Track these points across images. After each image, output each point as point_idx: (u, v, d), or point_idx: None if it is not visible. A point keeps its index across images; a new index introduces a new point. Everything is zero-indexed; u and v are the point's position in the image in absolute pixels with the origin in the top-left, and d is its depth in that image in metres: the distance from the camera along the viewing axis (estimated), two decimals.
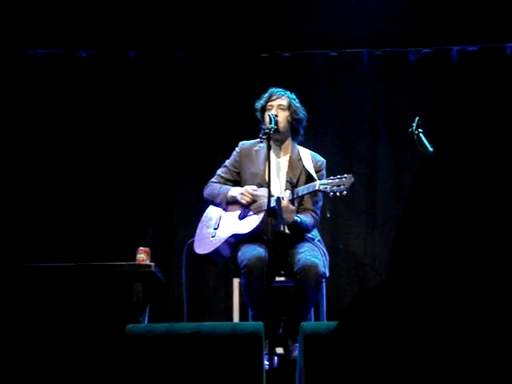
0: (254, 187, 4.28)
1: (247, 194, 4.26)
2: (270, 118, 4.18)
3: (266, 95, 4.43)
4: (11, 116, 5.47)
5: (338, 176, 4.03)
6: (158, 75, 5.63)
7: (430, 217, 0.94)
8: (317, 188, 4.04)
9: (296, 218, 4.15)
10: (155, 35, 5.59)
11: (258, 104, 4.44)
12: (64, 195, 5.41)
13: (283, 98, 4.40)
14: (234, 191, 4.35)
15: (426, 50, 5.56)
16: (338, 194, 3.98)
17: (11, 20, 5.45)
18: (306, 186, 4.16)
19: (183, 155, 5.56)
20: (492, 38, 5.41)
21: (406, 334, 0.92)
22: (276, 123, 4.18)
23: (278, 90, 4.44)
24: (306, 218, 4.23)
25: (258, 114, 4.43)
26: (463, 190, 0.92)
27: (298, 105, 4.42)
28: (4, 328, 4.23)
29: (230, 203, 4.36)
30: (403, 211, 1.00)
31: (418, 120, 4.18)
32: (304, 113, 4.43)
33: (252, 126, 4.54)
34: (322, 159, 4.42)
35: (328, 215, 4.48)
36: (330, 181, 4.03)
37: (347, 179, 3.99)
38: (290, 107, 4.38)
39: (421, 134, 4.14)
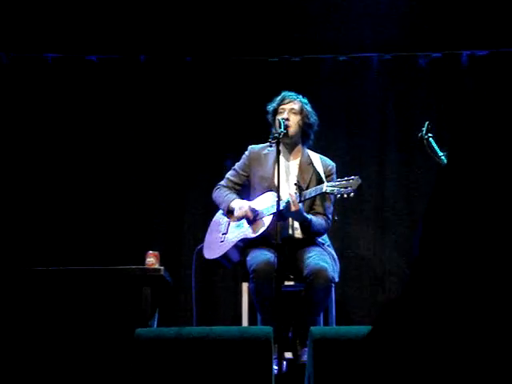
0: (256, 207, 4.27)
1: (243, 212, 4.25)
2: (280, 122, 4.18)
3: (279, 98, 4.43)
4: (22, 120, 5.49)
5: (346, 178, 4.03)
6: (168, 79, 5.64)
7: (450, 227, 0.94)
8: (324, 190, 4.04)
9: (306, 215, 4.14)
10: (165, 39, 5.61)
11: (270, 107, 4.44)
12: (74, 199, 5.42)
13: (295, 101, 4.40)
14: (235, 203, 4.35)
15: (435, 55, 5.55)
16: (345, 195, 3.98)
17: (22, 24, 5.47)
18: (314, 188, 4.16)
19: (193, 159, 5.56)
20: (502, 42, 5.40)
21: (433, 342, 0.92)
22: (286, 127, 4.18)
23: (291, 93, 4.44)
24: (316, 219, 4.23)
25: (269, 117, 4.42)
26: (481, 199, 0.92)
27: (310, 109, 4.41)
28: (14, 331, 4.24)
29: (230, 213, 4.37)
30: (423, 223, 1.00)
31: (428, 124, 4.17)
32: (315, 118, 4.42)
33: (261, 130, 4.54)
34: (332, 163, 4.42)
35: (336, 218, 4.47)
36: (337, 183, 4.03)
37: (354, 181, 3.98)
38: (301, 111, 4.38)
39: (430, 139, 4.14)
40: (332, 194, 4.03)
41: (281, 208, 3.90)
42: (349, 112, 5.59)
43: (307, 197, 4.14)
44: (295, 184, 4.19)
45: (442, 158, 4.06)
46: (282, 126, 4.14)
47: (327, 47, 5.61)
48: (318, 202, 4.29)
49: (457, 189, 0.95)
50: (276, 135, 4.02)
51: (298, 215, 4.12)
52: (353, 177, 4.00)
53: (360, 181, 3.98)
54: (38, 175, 5.43)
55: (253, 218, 4.26)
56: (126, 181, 5.50)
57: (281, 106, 4.39)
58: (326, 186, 4.04)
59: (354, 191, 3.96)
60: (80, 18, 5.46)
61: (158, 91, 5.62)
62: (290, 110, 4.36)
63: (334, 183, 4.05)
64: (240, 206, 4.29)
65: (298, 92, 4.54)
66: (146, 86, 5.62)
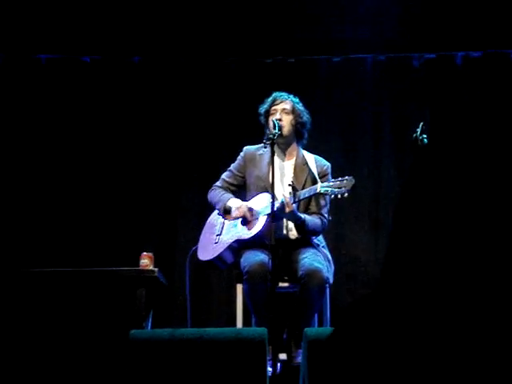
0: (253, 207, 4.27)
1: (241, 212, 4.25)
2: (274, 123, 4.18)
3: (270, 99, 4.43)
4: (15, 120, 5.49)
5: (339, 178, 4.03)
6: (162, 80, 5.64)
7: (423, 215, 0.94)
8: (318, 190, 4.03)
9: (299, 215, 4.14)
10: (159, 40, 5.61)
11: (262, 109, 4.44)
12: (67, 201, 5.42)
13: (287, 101, 4.40)
14: (232, 202, 4.35)
15: (429, 56, 5.56)
16: (339, 196, 3.98)
17: (15, 25, 5.46)
18: (308, 189, 4.15)
19: (187, 160, 5.56)
20: (496, 43, 5.41)
21: (400, 336, 0.92)
22: (280, 128, 4.18)
23: (282, 93, 4.44)
24: (312, 218, 4.22)
25: (262, 119, 4.42)
26: (456, 186, 0.92)
27: (302, 108, 4.41)
28: (8, 332, 4.23)
29: (227, 213, 4.36)
30: (395, 208, 1.00)
31: (423, 125, 4.17)
32: (308, 116, 4.42)
33: (256, 131, 4.54)
34: (327, 163, 4.41)
35: (329, 218, 4.46)
36: (331, 183, 4.03)
37: (348, 181, 3.98)
38: (293, 111, 4.38)
39: (425, 140, 4.14)
40: (326, 194, 4.03)
41: (275, 209, 3.90)
42: (343, 113, 5.59)
43: (301, 197, 4.14)
44: (289, 185, 4.19)
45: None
46: (277, 127, 4.13)
47: (322, 48, 5.61)
48: (313, 201, 4.28)
49: (432, 174, 0.95)
50: (270, 136, 4.01)
51: (292, 216, 4.11)
52: (347, 177, 4.00)
53: (354, 181, 3.98)
54: (33, 177, 5.43)
55: (251, 218, 4.26)
56: (119, 182, 5.50)
57: (272, 107, 4.39)
58: (319, 187, 4.03)
59: (347, 191, 3.96)
60: (74, 19, 5.46)
61: (152, 92, 5.62)
62: (282, 110, 4.36)
63: (328, 183, 4.05)
64: (238, 205, 4.29)
65: (293, 93, 4.54)
66: (140, 87, 5.62)
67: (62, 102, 5.56)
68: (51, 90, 5.57)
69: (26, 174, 5.43)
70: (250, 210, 4.24)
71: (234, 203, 4.33)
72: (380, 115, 5.58)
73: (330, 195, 4.02)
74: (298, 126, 4.38)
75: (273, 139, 3.99)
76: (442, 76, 5.52)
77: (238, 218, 4.28)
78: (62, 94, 5.57)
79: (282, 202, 4.05)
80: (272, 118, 4.29)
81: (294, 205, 4.10)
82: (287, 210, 4.05)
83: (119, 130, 5.57)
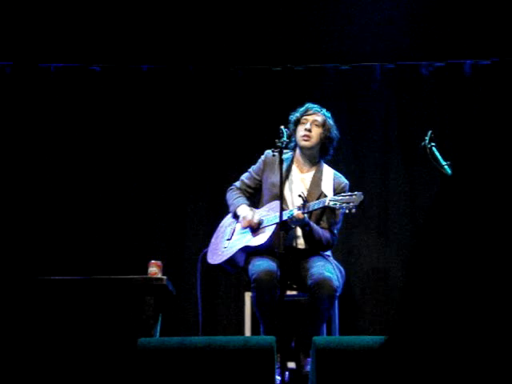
0: (263, 216, 4.27)
1: (247, 223, 4.26)
2: (282, 131, 4.16)
3: (303, 109, 4.42)
4: (23, 129, 5.50)
5: (349, 193, 4.01)
6: (170, 88, 5.64)
7: (447, 240, 0.94)
8: (326, 204, 4.02)
9: (309, 221, 4.12)
10: (167, 49, 5.62)
11: (293, 116, 4.43)
12: (76, 208, 5.42)
13: (319, 114, 4.40)
14: (241, 210, 4.35)
15: (438, 64, 5.55)
16: (346, 211, 3.96)
17: (24, 33, 5.48)
18: (317, 201, 4.14)
19: (195, 168, 5.56)
20: (505, 51, 5.40)
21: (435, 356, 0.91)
22: (288, 137, 4.17)
23: (315, 106, 4.44)
24: (321, 230, 4.21)
25: (291, 127, 4.39)
26: (482, 212, 0.91)
27: (333, 124, 4.41)
28: (17, 340, 4.24)
29: (237, 218, 4.37)
30: (419, 232, 1.00)
31: (431, 133, 4.17)
32: (336, 133, 4.41)
33: (265, 140, 4.53)
34: (346, 181, 4.37)
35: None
36: (340, 197, 4.01)
37: (357, 197, 3.96)
38: (324, 124, 4.37)
39: (434, 148, 4.13)
40: (334, 207, 4.01)
41: (284, 219, 3.89)
42: (351, 121, 5.58)
43: (310, 209, 4.12)
44: (299, 196, 4.17)
45: (445, 167, 4.06)
46: (285, 135, 4.13)
47: (330, 56, 5.61)
48: (324, 217, 4.27)
49: (459, 200, 0.94)
50: (279, 144, 4.01)
51: (301, 222, 4.10)
52: (356, 192, 3.98)
53: (362, 197, 3.95)
54: (41, 184, 5.44)
55: (257, 228, 4.25)
56: (128, 190, 5.50)
57: (304, 117, 4.38)
58: (328, 200, 4.02)
59: (355, 207, 3.94)
60: (82, 28, 5.47)
61: (160, 100, 5.63)
62: (313, 121, 4.35)
63: (337, 197, 4.02)
64: (244, 214, 4.28)
65: (301, 101, 4.54)
66: (148, 95, 5.63)
67: (70, 110, 5.57)
68: (60, 98, 5.58)
69: (35, 182, 5.44)
70: (257, 221, 4.24)
71: (243, 211, 4.32)
72: (388, 123, 5.57)
73: (338, 209, 4.00)
74: (325, 141, 4.37)
75: (281, 147, 3.99)
76: (450, 84, 5.51)
77: (245, 228, 4.29)
78: (70, 102, 5.58)
79: (292, 213, 4.04)
80: (301, 127, 4.30)
81: (304, 215, 4.08)
82: (296, 219, 4.04)
83: (128, 138, 5.57)
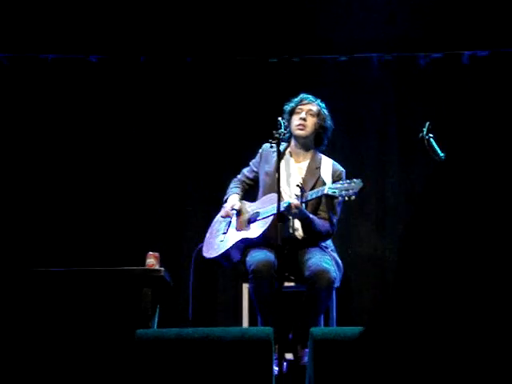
0: (235, 206, 4.36)
1: (224, 212, 4.39)
2: (280, 122, 4.16)
3: (297, 99, 4.45)
4: (21, 120, 5.49)
5: (348, 180, 4.01)
6: (168, 80, 5.63)
7: (438, 226, 0.93)
8: (325, 192, 4.02)
9: (307, 213, 4.13)
10: (165, 40, 5.60)
11: (288, 107, 4.45)
12: (74, 200, 5.42)
13: (313, 104, 4.43)
14: (228, 200, 4.45)
15: (436, 55, 5.54)
16: (346, 198, 3.96)
17: (21, 24, 5.47)
18: (316, 190, 4.14)
19: (193, 160, 5.56)
20: (503, 42, 5.38)
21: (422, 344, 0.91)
22: (285, 128, 4.17)
23: (309, 96, 4.47)
24: (319, 220, 4.21)
25: (286, 117, 4.41)
26: (473, 198, 0.91)
27: (327, 114, 4.44)
28: (14, 332, 4.24)
29: None
30: (409, 220, 0.99)
31: (429, 125, 4.16)
32: (331, 123, 4.44)
33: (262, 131, 4.53)
34: (341, 169, 4.39)
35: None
36: (339, 185, 4.01)
37: (356, 184, 3.96)
38: (319, 114, 4.40)
39: (431, 139, 4.13)
40: (333, 195, 4.01)
41: (281, 209, 3.90)
42: (349, 112, 5.57)
43: (309, 198, 4.12)
44: (297, 185, 4.17)
45: (443, 158, 4.06)
46: (282, 127, 4.12)
47: (327, 47, 5.60)
48: (322, 207, 4.27)
49: (450, 187, 0.94)
50: (276, 135, 4.01)
51: (299, 214, 4.10)
52: (355, 179, 3.97)
53: (362, 184, 3.95)
54: (39, 176, 5.43)
55: (252, 219, 4.27)
56: (126, 182, 5.50)
57: (298, 106, 4.41)
58: (327, 188, 4.02)
59: (355, 194, 3.93)
60: (80, 19, 5.46)
61: (158, 92, 5.62)
62: (308, 111, 4.38)
63: (335, 185, 4.02)
64: (226, 204, 4.39)
65: (298, 92, 4.54)
66: (146, 86, 5.61)
67: (68, 101, 5.56)
68: (57, 89, 5.57)
69: (33, 174, 5.43)
70: (235, 209, 4.32)
71: (228, 201, 4.39)
72: (386, 114, 5.57)
73: (337, 197, 4.00)
74: (320, 130, 4.40)
75: (279, 138, 3.99)
76: (448, 75, 5.50)
77: (224, 217, 4.33)
78: (68, 93, 5.57)
79: (288, 203, 4.04)
80: (295, 117, 4.31)
81: (302, 204, 4.09)
82: (294, 210, 4.04)
83: (126, 129, 5.56)
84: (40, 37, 5.52)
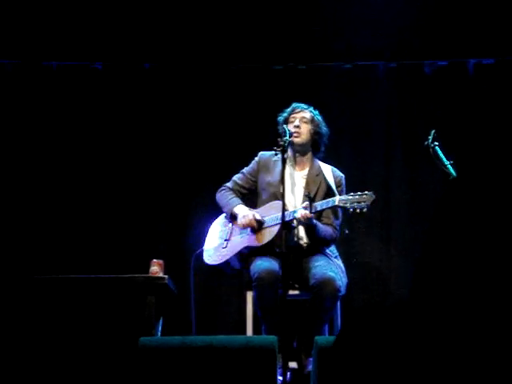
0: (264, 215, 4.25)
1: (247, 221, 4.23)
2: (285, 130, 4.16)
3: (290, 109, 4.45)
4: (26, 127, 5.50)
5: (359, 193, 3.98)
6: (172, 86, 5.63)
7: (454, 241, 0.93)
8: (336, 203, 4.00)
9: (313, 220, 4.11)
10: (170, 47, 5.61)
11: (281, 117, 4.44)
12: (78, 207, 5.42)
13: (306, 111, 4.43)
14: (239, 209, 4.33)
15: (441, 63, 5.54)
16: (357, 210, 3.94)
17: (26, 31, 5.48)
18: (325, 200, 4.12)
19: (197, 168, 5.55)
20: (509, 51, 5.38)
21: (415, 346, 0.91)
22: (290, 136, 4.17)
23: (301, 104, 4.47)
24: (323, 225, 4.20)
25: (280, 128, 4.40)
26: (488, 213, 0.90)
27: (321, 120, 4.44)
28: (17, 339, 4.23)
29: (233, 218, 4.35)
30: (427, 233, 0.98)
31: (434, 133, 4.15)
32: (326, 129, 4.44)
33: (265, 138, 4.53)
34: (341, 174, 4.40)
35: (347, 231, 4.44)
36: (350, 197, 3.99)
37: (368, 196, 3.94)
38: (312, 121, 4.40)
39: (437, 147, 4.12)
40: (345, 207, 3.99)
41: (289, 219, 3.89)
42: (354, 120, 5.57)
43: (318, 209, 4.11)
44: (306, 195, 4.17)
45: (448, 166, 4.05)
46: (287, 134, 4.11)
47: (332, 55, 5.60)
48: (325, 212, 4.26)
49: (465, 201, 0.93)
50: (281, 143, 4.00)
51: (308, 223, 4.10)
52: (366, 192, 3.96)
53: (374, 196, 3.94)
54: (42, 182, 5.44)
55: (257, 228, 4.24)
56: (130, 189, 5.50)
57: (292, 115, 4.41)
58: (338, 200, 4.01)
59: (367, 206, 3.92)
60: (85, 26, 5.48)
61: (162, 99, 5.62)
62: (301, 118, 4.38)
63: (347, 197, 4.01)
64: (244, 214, 4.27)
65: (303, 100, 4.55)
66: (150, 93, 5.62)
67: (72, 108, 5.56)
68: (62, 96, 5.58)
69: (37, 180, 5.43)
70: (257, 220, 4.22)
71: (241, 210, 4.31)
72: (391, 122, 5.56)
73: (349, 209, 3.98)
74: (315, 137, 4.40)
75: (284, 146, 3.97)
76: (453, 83, 5.49)
77: (244, 227, 4.27)
78: (72, 100, 5.58)
79: (295, 213, 4.03)
80: (289, 126, 4.29)
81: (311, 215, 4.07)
82: (305, 221, 4.03)
83: (130, 136, 5.57)
84: (45, 44, 5.54)
